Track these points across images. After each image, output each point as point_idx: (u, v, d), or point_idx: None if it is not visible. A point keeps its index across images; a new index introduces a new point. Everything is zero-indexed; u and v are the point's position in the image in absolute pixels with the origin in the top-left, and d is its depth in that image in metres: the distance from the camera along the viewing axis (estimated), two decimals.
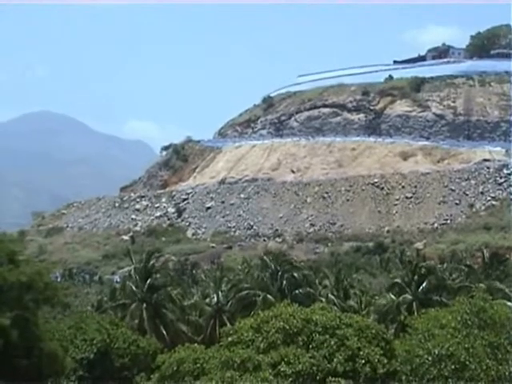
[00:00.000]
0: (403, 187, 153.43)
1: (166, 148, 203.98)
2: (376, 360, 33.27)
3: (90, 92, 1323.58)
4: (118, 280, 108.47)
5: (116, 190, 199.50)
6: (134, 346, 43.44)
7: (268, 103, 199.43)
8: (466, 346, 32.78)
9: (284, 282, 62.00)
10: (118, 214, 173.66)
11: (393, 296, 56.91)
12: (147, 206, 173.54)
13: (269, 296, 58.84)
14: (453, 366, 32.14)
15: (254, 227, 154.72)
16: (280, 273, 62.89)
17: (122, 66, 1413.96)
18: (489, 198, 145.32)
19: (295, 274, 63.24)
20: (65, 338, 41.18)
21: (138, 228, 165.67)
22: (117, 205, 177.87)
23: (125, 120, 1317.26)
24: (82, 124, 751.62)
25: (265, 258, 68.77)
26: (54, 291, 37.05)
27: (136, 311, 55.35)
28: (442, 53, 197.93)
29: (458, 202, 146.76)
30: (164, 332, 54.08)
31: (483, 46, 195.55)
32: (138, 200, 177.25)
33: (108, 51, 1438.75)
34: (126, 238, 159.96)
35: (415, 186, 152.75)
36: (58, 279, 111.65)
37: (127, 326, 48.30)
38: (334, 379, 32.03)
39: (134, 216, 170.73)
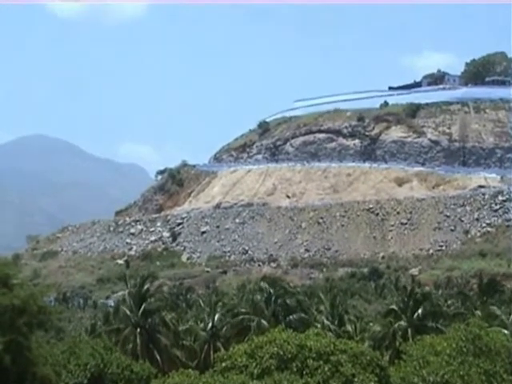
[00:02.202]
0: (398, 213, 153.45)
1: (161, 172, 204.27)
2: None
3: (85, 115, 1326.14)
4: (112, 304, 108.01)
5: (111, 214, 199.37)
6: (127, 371, 43.05)
7: (263, 128, 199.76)
8: (461, 373, 32.68)
9: (278, 308, 61.80)
10: (112, 238, 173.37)
11: (388, 321, 56.73)
12: (142, 230, 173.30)
13: (263, 321, 58.63)
14: None
15: (249, 252, 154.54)
16: (274, 298, 62.71)
17: (118, 89, 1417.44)
18: (484, 225, 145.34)
19: (288, 300, 63.11)
20: (58, 363, 40.78)
21: (132, 252, 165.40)
22: (112, 229, 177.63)
23: (120, 143, 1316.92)
24: (76, 147, 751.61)
25: (261, 284, 68.51)
26: (47, 315, 36.83)
27: (130, 336, 55.09)
28: (437, 79, 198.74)
29: (453, 228, 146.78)
30: (158, 357, 53.79)
31: (478, 72, 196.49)
32: (132, 224, 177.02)
33: (103, 75, 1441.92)
34: (120, 262, 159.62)
35: (410, 212, 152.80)
36: (52, 303, 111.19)
37: (121, 350, 47.99)
38: None
39: (128, 240, 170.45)
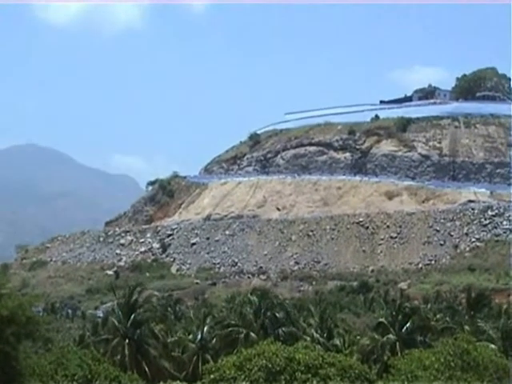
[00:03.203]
0: (388, 227, 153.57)
1: (151, 183, 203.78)
2: None
3: (77, 126, 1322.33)
4: (101, 315, 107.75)
5: (101, 224, 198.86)
6: (115, 382, 42.92)
7: (254, 140, 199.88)
8: None
9: (267, 320, 61.78)
10: (102, 249, 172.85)
11: (376, 336, 56.75)
12: (132, 240, 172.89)
13: (252, 334, 58.60)
14: None
15: (239, 264, 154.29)
16: (263, 310, 62.70)
17: (109, 100, 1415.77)
18: (473, 240, 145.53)
19: (277, 313, 63.14)
20: (45, 374, 40.59)
21: (122, 263, 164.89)
22: (101, 239, 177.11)
23: (111, 154, 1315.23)
24: (68, 157, 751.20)
25: (249, 296, 68.55)
26: (35, 325, 36.72)
27: (118, 347, 54.94)
28: (428, 94, 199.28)
29: (442, 242, 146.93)
30: (146, 368, 53.64)
31: (469, 88, 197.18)
32: (122, 235, 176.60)
33: (94, 85, 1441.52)
34: (110, 272, 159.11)
35: (400, 226, 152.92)
36: (41, 313, 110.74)
37: (109, 361, 47.84)
38: None
39: (118, 251, 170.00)
